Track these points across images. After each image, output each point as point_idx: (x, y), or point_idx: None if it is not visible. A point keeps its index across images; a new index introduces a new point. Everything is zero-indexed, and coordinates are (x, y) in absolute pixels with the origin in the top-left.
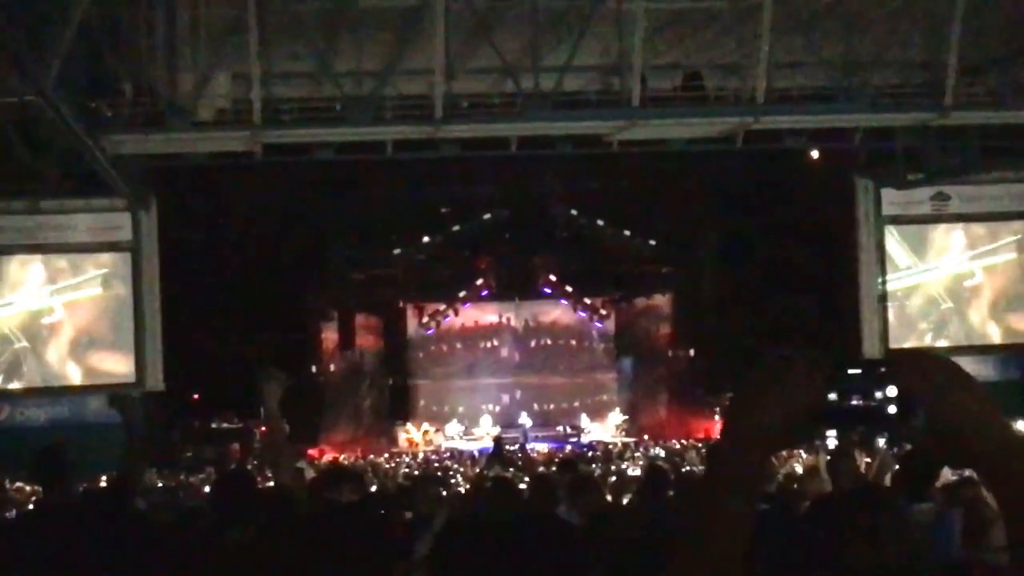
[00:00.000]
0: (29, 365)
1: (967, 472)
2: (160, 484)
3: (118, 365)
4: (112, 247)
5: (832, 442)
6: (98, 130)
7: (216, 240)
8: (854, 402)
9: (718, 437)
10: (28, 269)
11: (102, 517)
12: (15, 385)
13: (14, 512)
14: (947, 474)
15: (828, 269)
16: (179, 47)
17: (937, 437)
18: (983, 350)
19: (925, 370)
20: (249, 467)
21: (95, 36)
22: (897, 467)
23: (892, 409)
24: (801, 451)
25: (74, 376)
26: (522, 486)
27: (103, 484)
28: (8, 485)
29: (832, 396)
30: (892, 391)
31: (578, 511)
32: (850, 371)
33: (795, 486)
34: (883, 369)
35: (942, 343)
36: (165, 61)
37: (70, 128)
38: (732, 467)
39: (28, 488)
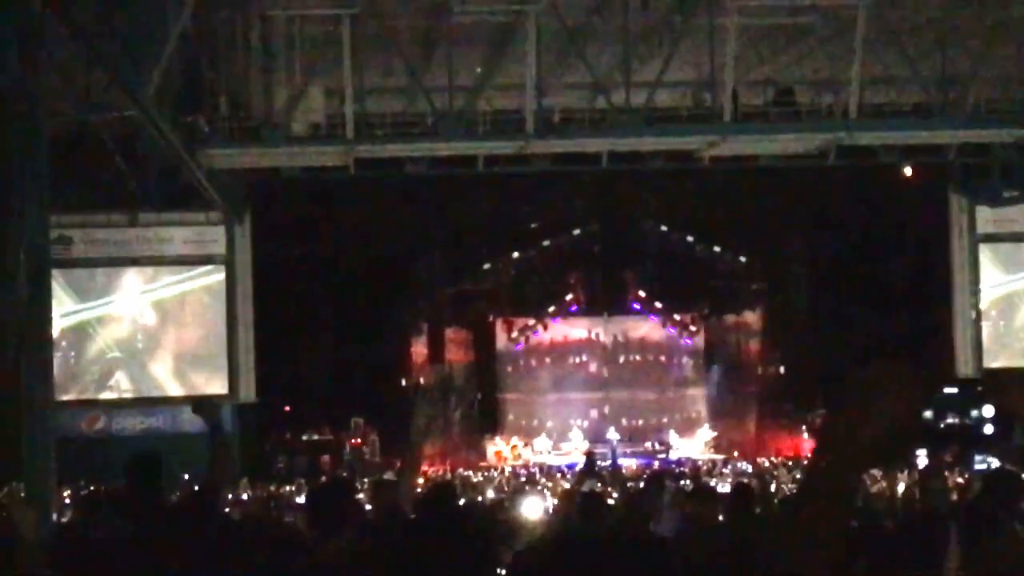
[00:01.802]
0: (123, 376)
1: None
2: (247, 495)
3: (211, 376)
4: (207, 260)
5: (922, 461)
6: (195, 144)
7: (308, 254)
8: (950, 420)
9: (814, 452)
10: (124, 281)
11: (190, 525)
12: (109, 395)
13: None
14: None
15: (921, 286)
16: (274, 62)
17: None
18: None
19: (1022, 386)
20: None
21: (192, 52)
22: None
23: (989, 428)
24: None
25: (167, 387)
26: (610, 501)
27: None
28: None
29: (928, 414)
30: (989, 410)
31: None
32: (946, 390)
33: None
34: (980, 388)
35: None
36: (260, 76)
37: (169, 142)
38: (828, 481)
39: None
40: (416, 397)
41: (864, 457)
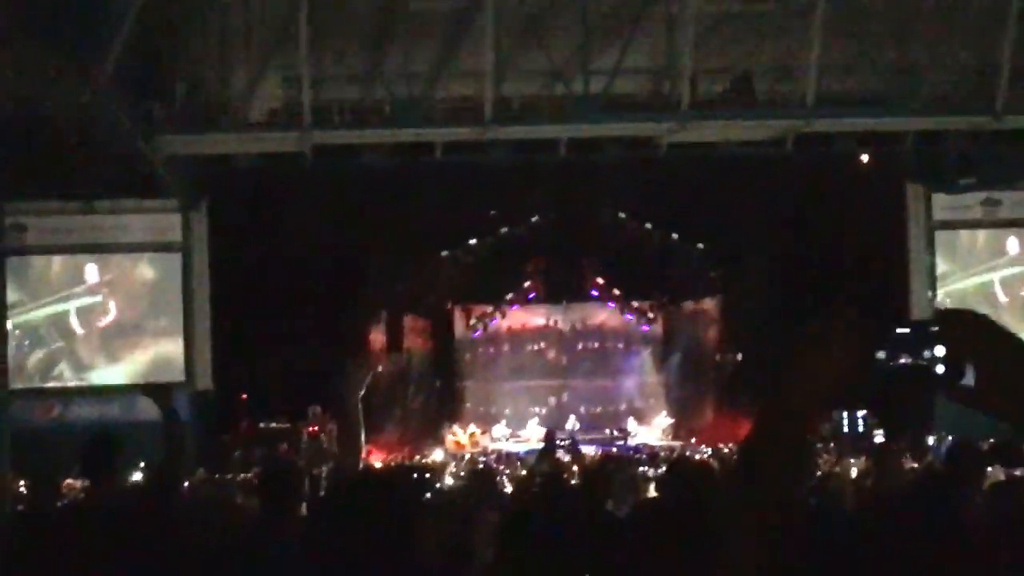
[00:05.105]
0: (76, 364)
1: (1019, 471)
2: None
3: (168, 365)
4: (163, 248)
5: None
6: (151, 131)
7: (266, 241)
8: (902, 360)
9: (764, 402)
10: (78, 269)
11: (146, 511)
12: (62, 384)
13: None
14: (997, 473)
15: (878, 273)
16: (231, 48)
17: (987, 392)
18: None
19: (973, 326)
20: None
21: (148, 37)
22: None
23: (940, 368)
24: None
25: (124, 375)
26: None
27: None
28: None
29: (880, 355)
30: (940, 350)
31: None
32: (898, 330)
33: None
34: (932, 328)
35: None
36: (217, 62)
37: (124, 129)
38: (779, 429)
39: (79, 484)
40: (348, 365)
41: (816, 400)
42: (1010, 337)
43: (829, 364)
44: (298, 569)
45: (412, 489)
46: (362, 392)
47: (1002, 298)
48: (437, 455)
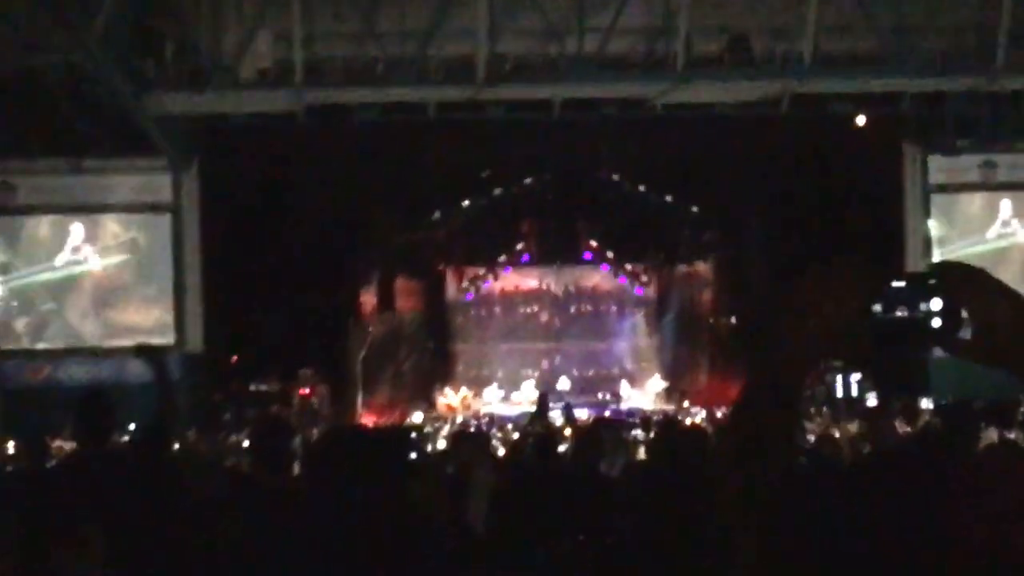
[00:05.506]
0: (66, 325)
1: (1013, 434)
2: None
3: (158, 327)
4: (153, 208)
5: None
6: (141, 89)
7: (257, 202)
8: (899, 313)
9: (756, 356)
10: (69, 229)
11: (136, 469)
12: (54, 345)
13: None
14: (992, 435)
15: (874, 236)
16: (223, 5)
17: (984, 345)
18: None
19: (969, 278)
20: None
21: None
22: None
23: (937, 322)
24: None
25: (114, 337)
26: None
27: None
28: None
29: (876, 308)
30: (937, 304)
31: None
32: (894, 283)
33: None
34: (928, 281)
35: None
36: (208, 20)
37: (114, 87)
38: (771, 381)
39: (67, 446)
40: (348, 326)
41: (809, 352)
42: (1006, 289)
43: (828, 311)
44: (290, 527)
45: (401, 447)
46: (363, 353)
47: (998, 263)
48: (416, 417)
